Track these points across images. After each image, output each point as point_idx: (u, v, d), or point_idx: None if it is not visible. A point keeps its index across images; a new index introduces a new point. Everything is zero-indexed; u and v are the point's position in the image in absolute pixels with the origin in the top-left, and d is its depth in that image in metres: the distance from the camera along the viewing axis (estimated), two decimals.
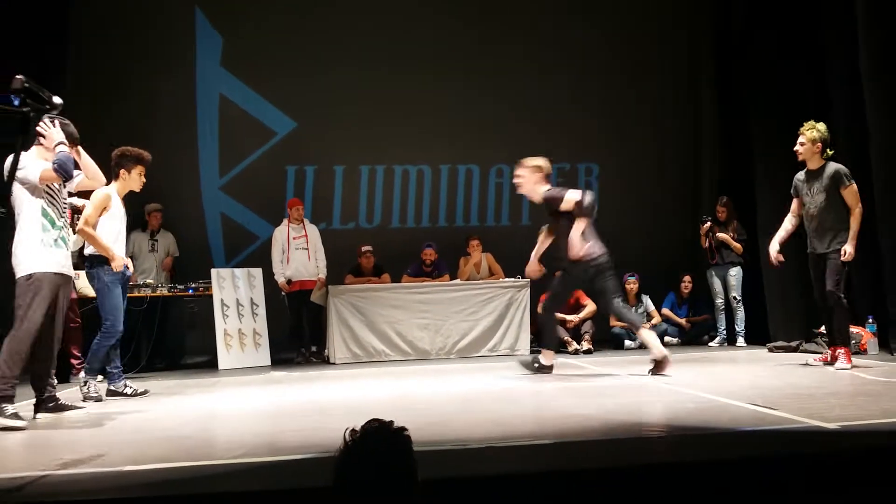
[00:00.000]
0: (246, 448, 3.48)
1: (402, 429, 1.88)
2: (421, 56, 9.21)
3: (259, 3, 9.10)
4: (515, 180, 5.98)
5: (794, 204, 5.93)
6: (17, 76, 2.74)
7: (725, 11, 9.08)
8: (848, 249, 5.50)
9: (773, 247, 5.95)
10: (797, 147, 5.77)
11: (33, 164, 4.35)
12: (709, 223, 8.21)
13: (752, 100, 8.24)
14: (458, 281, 8.29)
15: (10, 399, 4.18)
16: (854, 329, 6.50)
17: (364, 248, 8.38)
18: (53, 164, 4.25)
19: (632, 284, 8.45)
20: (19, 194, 4.33)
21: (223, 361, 7.39)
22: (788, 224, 5.96)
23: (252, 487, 2.84)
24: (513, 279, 8.15)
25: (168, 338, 7.87)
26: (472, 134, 9.40)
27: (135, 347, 7.09)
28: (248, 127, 9.13)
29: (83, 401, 5.10)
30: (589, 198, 5.65)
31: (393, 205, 9.57)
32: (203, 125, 9.14)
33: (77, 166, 4.66)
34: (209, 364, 7.55)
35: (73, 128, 4.61)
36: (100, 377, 5.37)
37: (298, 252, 8.00)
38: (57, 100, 2.91)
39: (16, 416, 4.15)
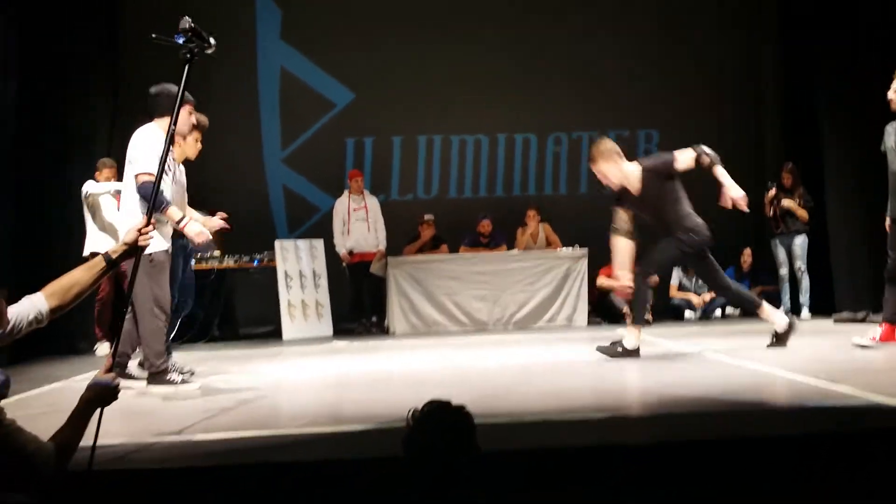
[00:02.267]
0: (310, 418, 3.59)
1: (462, 407, 2.03)
2: (477, 25, 9.13)
3: None
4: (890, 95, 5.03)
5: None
6: (184, 17, 3.06)
7: None
8: None
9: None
10: (891, 94, 5.02)
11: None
12: (774, 190, 7.98)
13: (818, 61, 7.91)
14: (515, 251, 8.29)
15: (167, 371, 4.44)
16: None
17: (426, 217, 8.44)
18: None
19: None
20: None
21: (287, 331, 7.60)
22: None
23: (317, 457, 2.94)
24: (570, 249, 8.12)
25: (234, 309, 8.12)
26: (529, 102, 9.31)
27: (204, 319, 7.34)
28: (309, 99, 9.25)
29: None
30: None
31: (450, 175, 9.60)
32: (265, 98, 9.30)
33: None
34: (273, 334, 7.76)
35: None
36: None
37: (358, 223, 8.12)
38: (213, 41, 3.17)
39: (185, 381, 4.46)
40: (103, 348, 6.64)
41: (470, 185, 9.59)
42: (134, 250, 2.68)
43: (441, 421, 2.00)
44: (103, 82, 7.82)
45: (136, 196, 4.36)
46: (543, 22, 9.17)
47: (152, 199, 2.98)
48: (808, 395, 3.67)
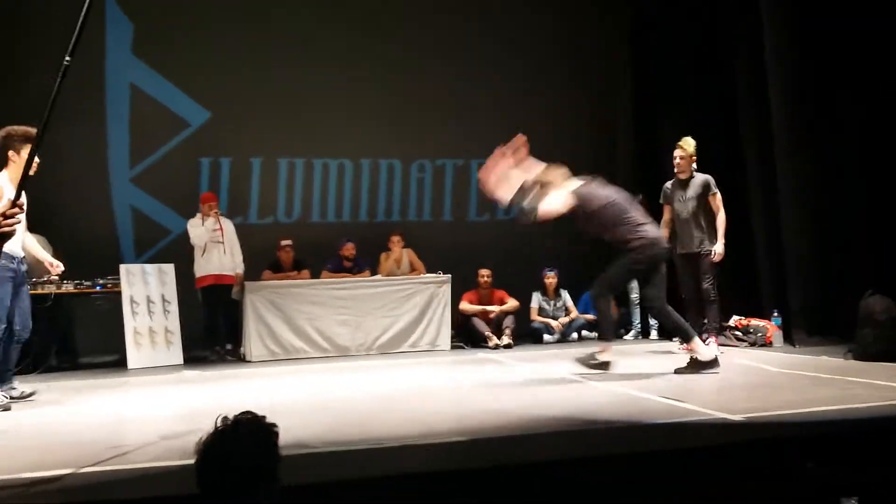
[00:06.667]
0: (155, 452, 3.36)
1: (273, 425, 1.99)
2: (339, 49, 9.06)
3: None
4: (677, 161, 6.45)
5: (666, 211, 6.71)
6: None
7: (641, 11, 9.30)
8: (717, 250, 6.28)
9: None
10: (678, 160, 6.47)
11: None
12: None
13: (665, 99, 8.51)
14: (378, 277, 8.24)
15: None
16: (760, 322, 6.99)
17: (283, 243, 8.21)
18: None
19: (551, 279, 8.57)
20: None
21: (132, 360, 7.11)
22: (665, 231, 6.61)
23: (161, 493, 2.75)
24: (434, 275, 8.15)
25: (74, 337, 7.51)
26: (393, 129, 9.33)
27: (40, 347, 6.74)
28: (161, 117, 8.79)
29: None
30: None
31: (313, 199, 9.42)
32: (113, 115, 8.76)
33: None
34: (118, 363, 7.25)
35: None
36: None
37: (213, 245, 7.76)
38: None
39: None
40: None
41: (333, 210, 9.45)
42: None
43: (244, 433, 1.94)
44: None
45: None
46: (410, 50, 9.24)
47: (21, 182, 2.63)
48: (655, 413, 3.84)
